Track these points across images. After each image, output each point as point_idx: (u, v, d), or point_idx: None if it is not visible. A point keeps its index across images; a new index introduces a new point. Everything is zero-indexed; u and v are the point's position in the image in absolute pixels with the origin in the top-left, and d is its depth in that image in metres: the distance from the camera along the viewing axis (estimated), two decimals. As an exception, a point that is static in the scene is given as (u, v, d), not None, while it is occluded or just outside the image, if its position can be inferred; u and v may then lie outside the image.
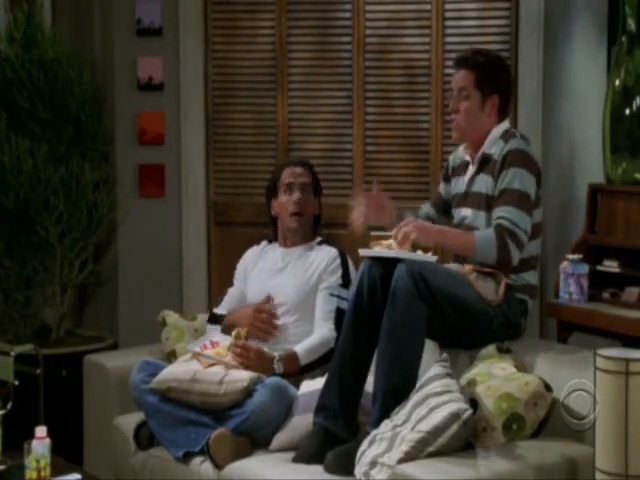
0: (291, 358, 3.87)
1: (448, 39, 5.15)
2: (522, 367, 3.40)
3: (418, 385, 3.30)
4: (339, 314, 3.96)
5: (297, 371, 3.86)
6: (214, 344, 3.92)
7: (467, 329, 3.53)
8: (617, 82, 4.34)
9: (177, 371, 3.85)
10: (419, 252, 3.55)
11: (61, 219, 5.20)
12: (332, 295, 4.01)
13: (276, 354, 3.85)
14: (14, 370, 4.46)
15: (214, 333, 4.06)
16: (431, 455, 3.00)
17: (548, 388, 3.23)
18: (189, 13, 5.38)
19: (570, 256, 4.33)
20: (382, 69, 5.27)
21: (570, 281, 4.31)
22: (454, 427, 3.00)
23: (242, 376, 3.71)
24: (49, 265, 5.28)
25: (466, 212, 3.75)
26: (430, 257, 3.53)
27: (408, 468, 2.95)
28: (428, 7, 5.16)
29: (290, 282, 4.11)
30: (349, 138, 5.33)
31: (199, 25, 5.39)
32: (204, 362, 3.84)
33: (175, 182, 5.45)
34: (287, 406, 3.65)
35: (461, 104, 3.69)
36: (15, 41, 5.25)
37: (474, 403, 3.19)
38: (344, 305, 3.97)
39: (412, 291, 3.34)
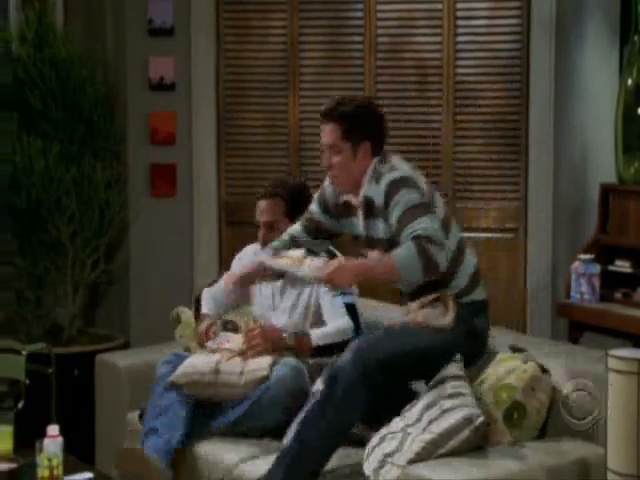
0: (303, 336, 3.84)
1: (459, 38, 5.15)
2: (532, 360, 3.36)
3: (431, 384, 3.29)
4: (349, 308, 3.94)
5: (310, 349, 3.80)
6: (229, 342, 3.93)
7: (433, 366, 3.39)
8: (629, 81, 4.34)
9: (198, 363, 3.83)
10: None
11: (73, 218, 5.20)
12: (335, 295, 3.95)
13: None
14: (26, 369, 4.47)
15: (226, 335, 4.05)
16: (441, 457, 3.00)
17: (544, 371, 3.22)
18: (201, 13, 5.39)
19: (582, 256, 4.33)
20: (393, 68, 5.27)
21: (582, 281, 4.30)
22: (466, 432, 3.00)
23: (262, 364, 3.72)
24: (61, 264, 5.29)
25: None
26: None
27: (418, 468, 2.95)
28: (439, 6, 5.16)
29: (285, 306, 4.02)
30: (360, 138, 5.32)
31: (211, 25, 5.39)
32: (225, 355, 3.83)
33: (186, 181, 5.46)
34: (302, 389, 3.63)
35: (333, 159, 3.52)
36: (27, 41, 5.26)
37: (479, 401, 3.19)
38: (350, 299, 3.94)
39: (354, 380, 3.23)
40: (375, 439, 3.23)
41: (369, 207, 3.47)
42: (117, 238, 5.50)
